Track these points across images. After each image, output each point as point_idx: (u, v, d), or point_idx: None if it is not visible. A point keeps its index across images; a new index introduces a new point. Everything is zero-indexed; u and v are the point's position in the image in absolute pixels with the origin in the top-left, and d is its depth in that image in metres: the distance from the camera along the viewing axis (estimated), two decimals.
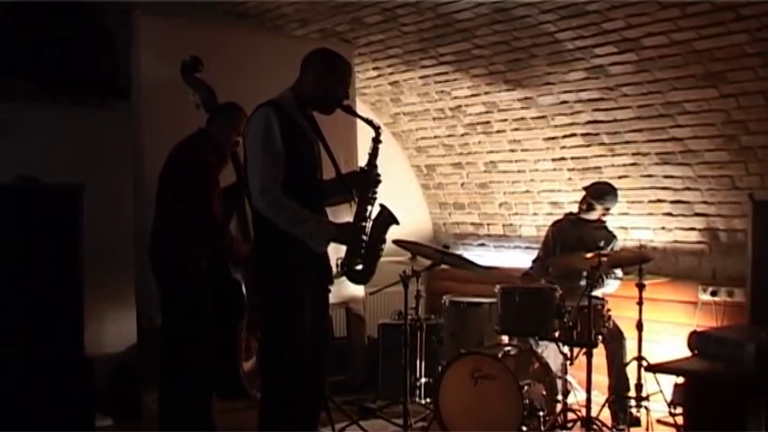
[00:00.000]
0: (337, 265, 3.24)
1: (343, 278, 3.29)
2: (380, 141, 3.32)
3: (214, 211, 3.86)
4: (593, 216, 4.91)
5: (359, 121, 3.39)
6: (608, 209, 4.91)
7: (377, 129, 3.29)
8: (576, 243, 4.84)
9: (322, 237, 3.18)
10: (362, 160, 3.36)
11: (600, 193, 4.90)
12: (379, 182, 3.27)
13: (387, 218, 3.27)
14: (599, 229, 4.93)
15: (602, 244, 4.68)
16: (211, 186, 3.88)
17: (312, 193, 3.22)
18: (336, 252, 3.26)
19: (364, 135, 3.40)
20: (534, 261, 5.15)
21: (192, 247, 3.93)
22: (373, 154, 3.29)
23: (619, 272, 4.77)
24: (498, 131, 5.76)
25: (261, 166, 3.08)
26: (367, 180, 3.25)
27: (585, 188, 4.97)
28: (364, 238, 3.21)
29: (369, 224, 3.23)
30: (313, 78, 3.23)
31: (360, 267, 3.22)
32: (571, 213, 5.10)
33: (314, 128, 3.30)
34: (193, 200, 3.85)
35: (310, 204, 3.17)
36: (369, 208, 3.24)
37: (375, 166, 3.28)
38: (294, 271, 3.15)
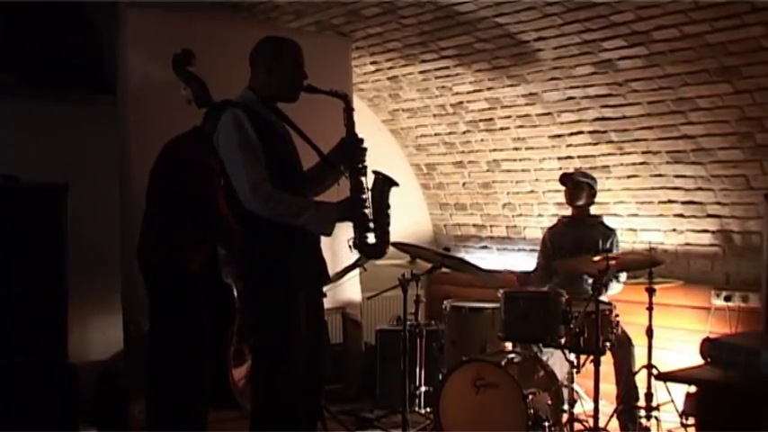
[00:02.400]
0: (349, 246, 3.20)
1: (346, 277, 3.22)
2: (352, 109, 3.30)
3: (222, 211, 3.74)
4: (581, 201, 4.93)
5: (354, 105, 3.39)
6: (592, 188, 4.93)
7: (344, 98, 3.27)
8: (573, 244, 4.86)
9: (326, 220, 3.13)
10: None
11: (580, 174, 4.99)
12: (364, 149, 3.23)
13: (383, 182, 3.24)
14: (595, 225, 4.94)
15: (607, 245, 4.67)
16: (215, 186, 3.77)
17: (297, 189, 3.17)
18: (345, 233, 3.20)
19: (361, 119, 3.41)
20: (534, 270, 5.17)
21: (187, 249, 3.84)
22: (349, 123, 3.28)
23: (622, 275, 4.72)
24: (502, 129, 5.74)
25: (244, 167, 3.05)
26: (351, 150, 3.23)
27: (563, 179, 5.00)
28: (367, 211, 3.17)
29: (367, 195, 3.19)
30: (265, 72, 3.22)
31: (372, 240, 3.18)
32: (565, 216, 5.12)
33: (284, 119, 3.29)
34: (199, 202, 3.76)
35: None
36: (362, 179, 3.20)
37: (354, 134, 3.26)
38: (286, 272, 3.10)
